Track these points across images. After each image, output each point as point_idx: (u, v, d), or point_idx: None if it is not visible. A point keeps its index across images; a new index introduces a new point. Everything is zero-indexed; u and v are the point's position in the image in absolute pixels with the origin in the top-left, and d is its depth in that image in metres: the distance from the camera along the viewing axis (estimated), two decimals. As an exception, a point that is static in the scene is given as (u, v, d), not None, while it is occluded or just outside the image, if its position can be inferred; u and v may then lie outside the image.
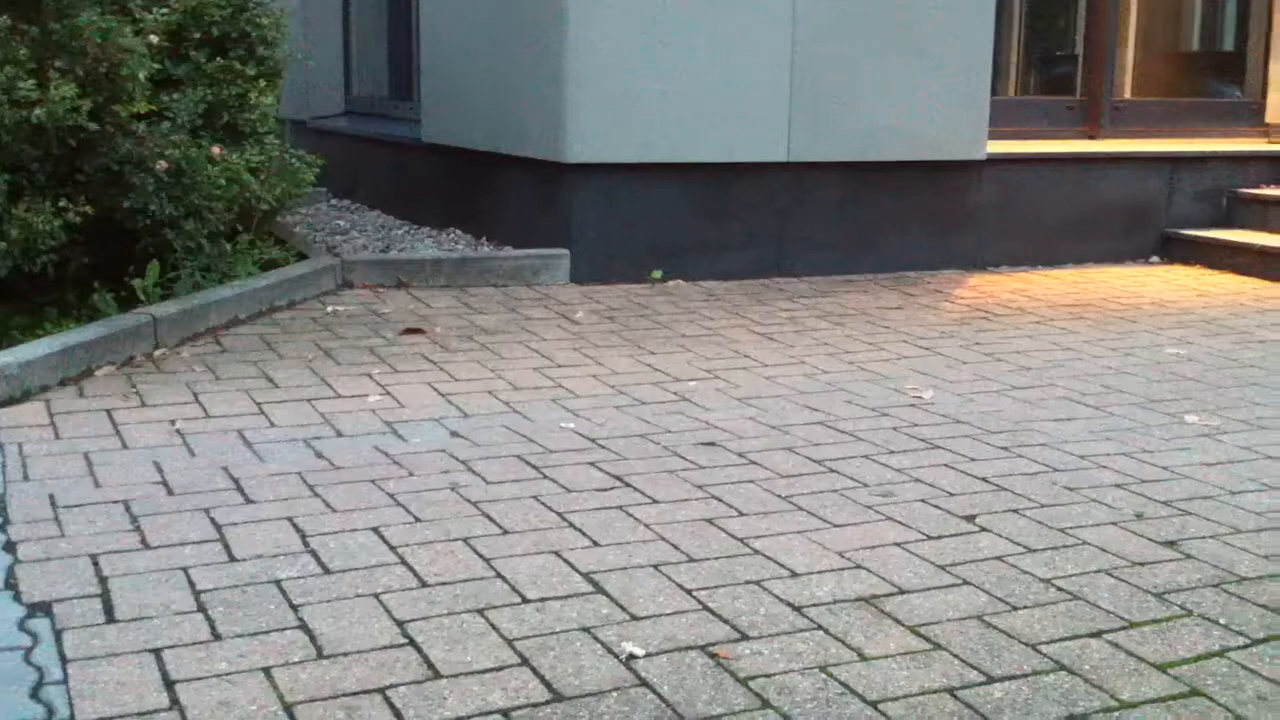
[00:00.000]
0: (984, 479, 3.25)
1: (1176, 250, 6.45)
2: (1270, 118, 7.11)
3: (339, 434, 3.48)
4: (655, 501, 3.03)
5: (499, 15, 5.92)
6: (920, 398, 3.97)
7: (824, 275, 5.78)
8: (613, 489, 3.11)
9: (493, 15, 5.97)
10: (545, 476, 3.18)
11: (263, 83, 5.24)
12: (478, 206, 6.19)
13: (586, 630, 2.36)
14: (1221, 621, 2.46)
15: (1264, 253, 6.11)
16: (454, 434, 3.50)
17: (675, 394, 3.94)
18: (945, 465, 3.35)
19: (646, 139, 5.47)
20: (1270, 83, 7.11)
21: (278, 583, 2.53)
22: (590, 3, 5.34)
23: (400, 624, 2.37)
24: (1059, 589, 2.60)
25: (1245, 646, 2.37)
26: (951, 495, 3.12)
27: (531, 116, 5.62)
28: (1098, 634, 2.41)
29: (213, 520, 2.84)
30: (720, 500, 3.05)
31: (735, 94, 5.55)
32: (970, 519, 2.97)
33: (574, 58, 5.36)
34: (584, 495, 3.06)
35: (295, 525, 2.82)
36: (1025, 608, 2.51)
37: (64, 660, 2.21)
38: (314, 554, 2.67)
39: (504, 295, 5.30)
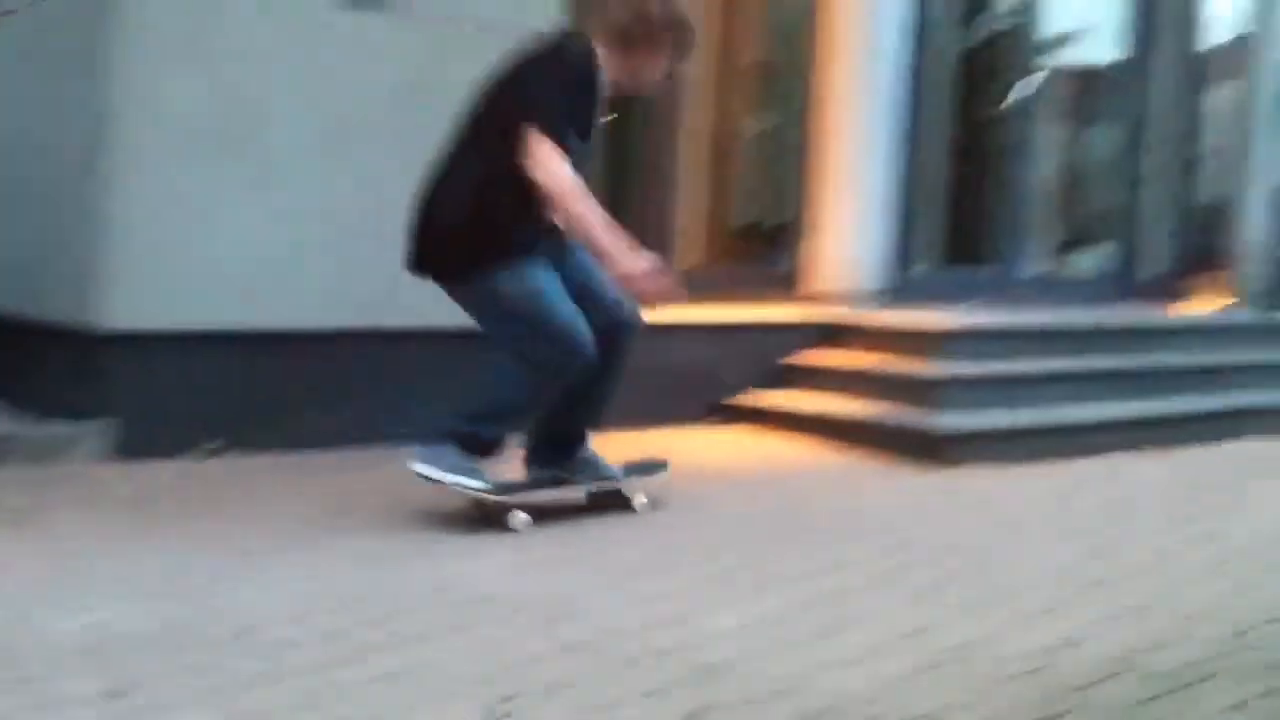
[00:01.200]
0: (529, 659, 3.15)
1: (734, 414, 6.70)
2: (814, 287, 7.57)
3: None
4: (163, 708, 2.74)
5: (22, 177, 5.55)
6: (465, 576, 3.86)
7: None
8: (113, 700, 2.78)
9: (15, 177, 5.59)
10: (26, 694, 2.80)
11: None
12: (12, 375, 5.65)
13: None
14: (738, 803, 2.45)
15: (809, 416, 6.43)
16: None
17: (201, 583, 3.64)
18: (480, 645, 3.23)
19: (191, 307, 5.20)
20: (811, 254, 7.60)
21: None
22: (131, 174, 5.08)
23: None
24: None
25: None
26: (484, 681, 2.99)
27: (61, 281, 5.25)
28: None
29: None
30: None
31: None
32: (507, 700, 2.86)
33: (115, 223, 5.06)
34: (73, 711, 2.72)
35: None
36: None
37: None
38: None
39: (25, 476, 4.78)
